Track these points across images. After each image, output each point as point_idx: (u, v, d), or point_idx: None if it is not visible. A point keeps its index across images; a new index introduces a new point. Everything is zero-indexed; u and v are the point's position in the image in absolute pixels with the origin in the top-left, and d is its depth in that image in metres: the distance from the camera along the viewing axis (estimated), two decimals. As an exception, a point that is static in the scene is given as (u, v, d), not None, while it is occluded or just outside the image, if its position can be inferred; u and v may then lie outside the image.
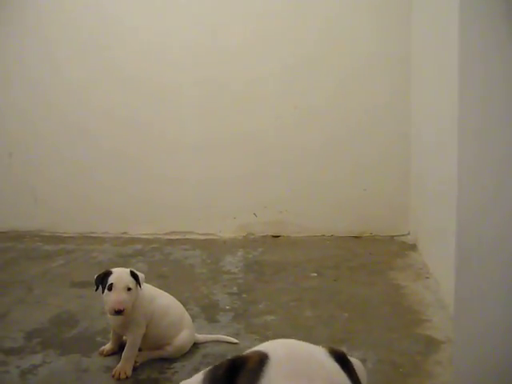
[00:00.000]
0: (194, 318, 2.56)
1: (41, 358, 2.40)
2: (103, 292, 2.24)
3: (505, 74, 1.37)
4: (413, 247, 3.71)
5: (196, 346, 2.42)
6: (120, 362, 2.23)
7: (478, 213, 1.60)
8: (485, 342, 1.59)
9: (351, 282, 3.15)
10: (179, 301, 2.47)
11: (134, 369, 2.25)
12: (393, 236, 3.97)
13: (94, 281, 2.28)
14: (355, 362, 0.95)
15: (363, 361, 2.30)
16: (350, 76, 3.93)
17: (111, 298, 2.19)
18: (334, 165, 4.01)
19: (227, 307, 2.82)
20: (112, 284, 2.21)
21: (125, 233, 4.17)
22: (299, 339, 2.28)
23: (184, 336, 2.34)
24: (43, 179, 4.29)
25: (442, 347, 2.38)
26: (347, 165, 4.00)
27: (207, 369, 0.87)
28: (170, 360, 2.31)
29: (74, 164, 4.24)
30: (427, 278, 3.16)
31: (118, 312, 2.17)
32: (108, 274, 2.25)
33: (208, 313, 2.76)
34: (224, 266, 3.47)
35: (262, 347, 0.86)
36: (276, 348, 0.85)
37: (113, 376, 2.21)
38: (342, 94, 3.95)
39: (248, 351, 0.86)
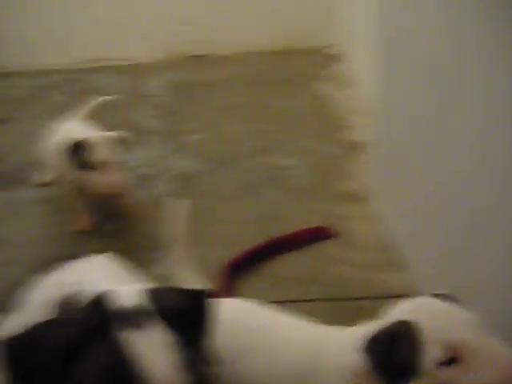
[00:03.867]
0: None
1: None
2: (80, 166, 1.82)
3: None
4: (338, 58, 3.68)
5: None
6: None
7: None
8: (401, 143, 1.68)
9: (277, 96, 3.15)
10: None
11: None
12: (318, 47, 3.90)
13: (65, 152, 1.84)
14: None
15: (290, 168, 2.41)
16: None
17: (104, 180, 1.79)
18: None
19: (155, 129, 2.80)
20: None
21: (36, 65, 3.86)
22: (227, 154, 2.31)
23: None
24: None
25: (364, 150, 2.51)
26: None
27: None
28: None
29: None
30: (351, 87, 3.20)
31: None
32: (82, 146, 1.79)
33: (135, 136, 2.71)
34: (148, 90, 3.36)
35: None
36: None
37: None
38: None
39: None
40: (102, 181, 1.78)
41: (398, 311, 0.97)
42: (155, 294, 0.69)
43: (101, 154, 1.77)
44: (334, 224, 1.93)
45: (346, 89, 3.19)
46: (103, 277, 0.77)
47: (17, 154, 2.69)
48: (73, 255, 0.85)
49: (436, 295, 0.99)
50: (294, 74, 3.46)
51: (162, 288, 0.74)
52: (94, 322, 0.63)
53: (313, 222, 1.97)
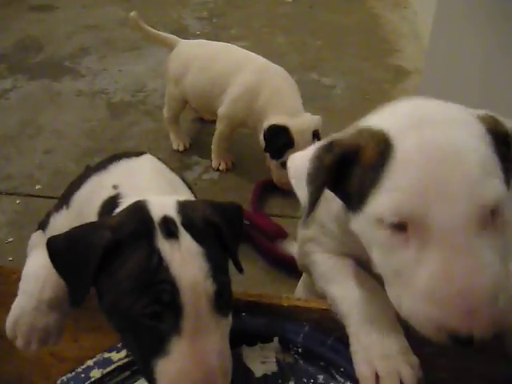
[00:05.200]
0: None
1: (10, 82, 2.38)
2: (272, 155, 1.69)
3: None
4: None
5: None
6: None
7: None
8: (453, 75, 1.61)
9: (327, 10, 3.02)
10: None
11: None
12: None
13: (264, 137, 1.65)
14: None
15: (332, 87, 2.36)
16: None
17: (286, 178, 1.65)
18: None
19: (197, 32, 2.73)
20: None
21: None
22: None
23: None
24: None
25: (411, 77, 2.43)
26: None
27: (317, 148, 0.65)
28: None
29: None
30: (405, 7, 3.04)
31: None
32: (288, 144, 1.62)
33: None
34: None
35: (379, 122, 0.62)
36: (401, 130, 0.60)
37: None
38: None
39: (362, 130, 0.63)
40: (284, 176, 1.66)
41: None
42: (189, 206, 0.71)
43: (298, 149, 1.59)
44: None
45: (399, 9, 3.03)
46: (146, 180, 0.79)
47: (58, 43, 2.67)
48: (120, 154, 0.86)
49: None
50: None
51: (197, 201, 0.77)
52: (129, 228, 0.66)
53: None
